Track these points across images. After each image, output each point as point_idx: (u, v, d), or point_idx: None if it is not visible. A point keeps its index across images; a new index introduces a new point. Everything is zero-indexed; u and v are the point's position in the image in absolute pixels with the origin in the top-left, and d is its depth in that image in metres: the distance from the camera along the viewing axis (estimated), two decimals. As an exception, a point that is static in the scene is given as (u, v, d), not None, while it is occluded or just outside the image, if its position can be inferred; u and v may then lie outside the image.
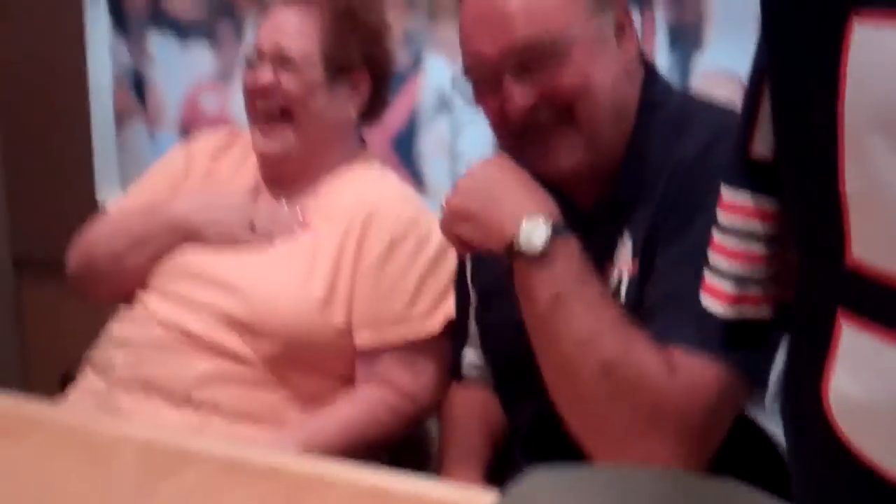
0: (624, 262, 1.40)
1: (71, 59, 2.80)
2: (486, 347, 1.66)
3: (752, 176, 1.00)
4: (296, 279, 1.79)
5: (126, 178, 2.69)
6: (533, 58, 1.35)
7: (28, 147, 2.94)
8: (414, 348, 1.79)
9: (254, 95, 1.86)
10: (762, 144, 0.99)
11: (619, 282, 1.40)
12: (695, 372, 1.24)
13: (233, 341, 1.76)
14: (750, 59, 1.93)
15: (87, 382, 1.86)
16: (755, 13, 1.93)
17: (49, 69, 2.85)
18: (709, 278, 1.05)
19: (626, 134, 1.42)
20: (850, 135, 0.83)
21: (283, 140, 1.85)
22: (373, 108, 1.94)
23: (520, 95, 1.37)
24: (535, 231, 1.29)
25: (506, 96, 1.37)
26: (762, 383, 1.30)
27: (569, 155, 1.40)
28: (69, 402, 1.85)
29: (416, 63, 2.35)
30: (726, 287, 1.03)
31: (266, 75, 1.83)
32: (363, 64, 1.89)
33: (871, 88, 0.81)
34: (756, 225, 1.01)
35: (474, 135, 2.31)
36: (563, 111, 1.38)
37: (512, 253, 1.31)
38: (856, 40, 0.82)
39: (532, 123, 1.38)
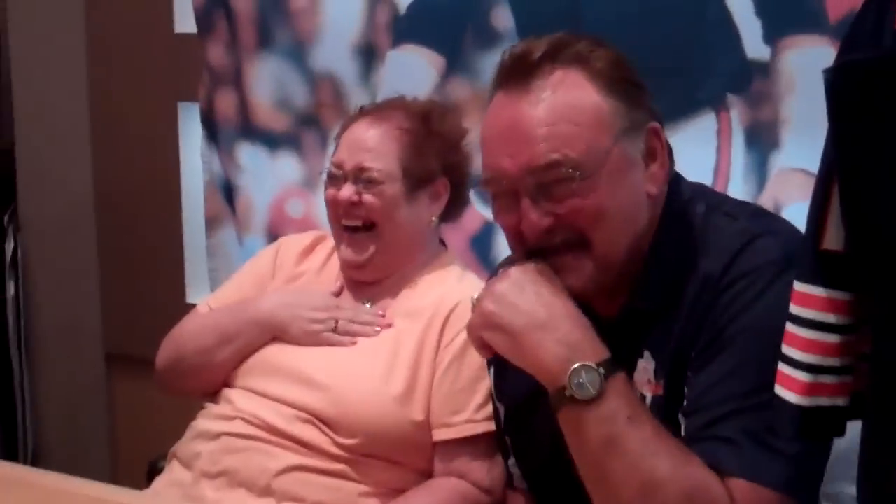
0: (645, 382, 1.39)
1: (165, 167, 2.92)
2: (520, 458, 1.64)
3: (822, 268, 1.03)
4: (377, 376, 1.84)
5: (215, 280, 2.77)
6: (553, 180, 1.33)
7: (123, 248, 3.05)
8: (491, 443, 1.82)
9: (337, 209, 1.92)
10: (833, 237, 1.02)
11: (643, 400, 1.38)
12: (755, 498, 1.25)
13: (315, 436, 1.81)
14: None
15: (173, 474, 1.91)
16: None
17: (145, 176, 2.96)
18: (783, 369, 1.08)
19: (646, 248, 1.40)
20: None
21: (368, 249, 1.92)
22: (452, 210, 2.01)
23: (536, 217, 1.34)
24: (587, 378, 1.26)
25: (522, 215, 1.35)
26: None
27: (579, 277, 1.37)
28: (155, 492, 1.91)
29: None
30: (801, 376, 1.05)
31: (348, 192, 1.89)
32: (442, 172, 1.95)
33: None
34: (829, 316, 1.04)
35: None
36: (578, 235, 1.36)
37: (562, 397, 1.28)
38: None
39: (546, 243, 1.36)
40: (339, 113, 2.53)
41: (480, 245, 2.44)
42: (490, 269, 2.43)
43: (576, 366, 1.27)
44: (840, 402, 1.05)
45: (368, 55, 2.49)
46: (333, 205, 1.93)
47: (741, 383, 1.29)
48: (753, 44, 2.07)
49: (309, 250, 2.10)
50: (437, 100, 2.12)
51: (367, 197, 1.89)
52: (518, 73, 1.36)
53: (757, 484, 1.26)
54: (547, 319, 1.30)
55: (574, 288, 1.37)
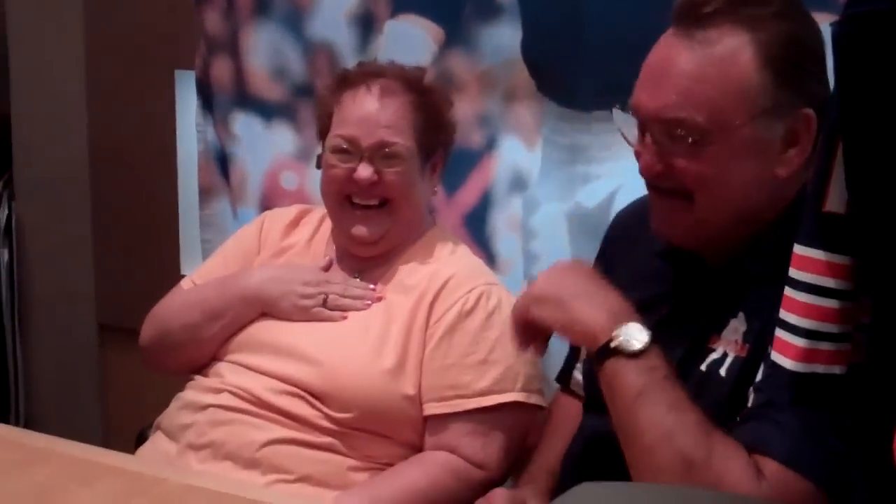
0: (732, 341, 1.39)
1: (162, 136, 2.88)
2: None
3: (824, 231, 1.01)
4: (368, 350, 1.82)
5: (208, 252, 2.73)
6: (674, 135, 1.35)
7: (118, 218, 3.03)
8: (482, 418, 1.80)
9: (347, 186, 1.89)
10: (836, 199, 0.99)
11: (723, 357, 1.39)
12: (784, 482, 1.23)
13: (304, 409, 1.78)
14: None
15: (157, 444, 1.89)
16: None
17: (141, 145, 2.94)
18: (779, 334, 1.05)
19: (770, 217, 1.39)
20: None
21: (382, 226, 1.91)
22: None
23: (652, 159, 1.39)
24: (636, 334, 1.31)
25: (644, 150, 1.40)
26: None
27: (672, 227, 1.43)
28: (141, 456, 1.89)
29: (491, 143, 2.38)
30: (797, 342, 1.03)
31: (367, 172, 1.87)
32: (440, 146, 1.95)
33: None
34: (827, 280, 1.01)
35: (547, 213, 2.32)
36: (683, 189, 1.38)
37: (607, 349, 1.32)
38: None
39: (657, 183, 1.41)
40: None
41: (475, 221, 2.42)
42: (485, 246, 2.42)
43: (623, 324, 1.31)
44: (837, 370, 1.03)
45: (366, 24, 2.45)
46: (345, 182, 1.89)
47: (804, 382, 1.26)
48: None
49: (295, 223, 2.08)
50: (419, 70, 2.07)
51: (389, 175, 1.88)
52: (690, 17, 1.35)
53: (790, 469, 1.24)
54: (593, 292, 1.36)
55: (661, 232, 1.44)
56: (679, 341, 1.37)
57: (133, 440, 2.10)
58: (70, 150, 3.03)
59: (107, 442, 2.87)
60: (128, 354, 2.96)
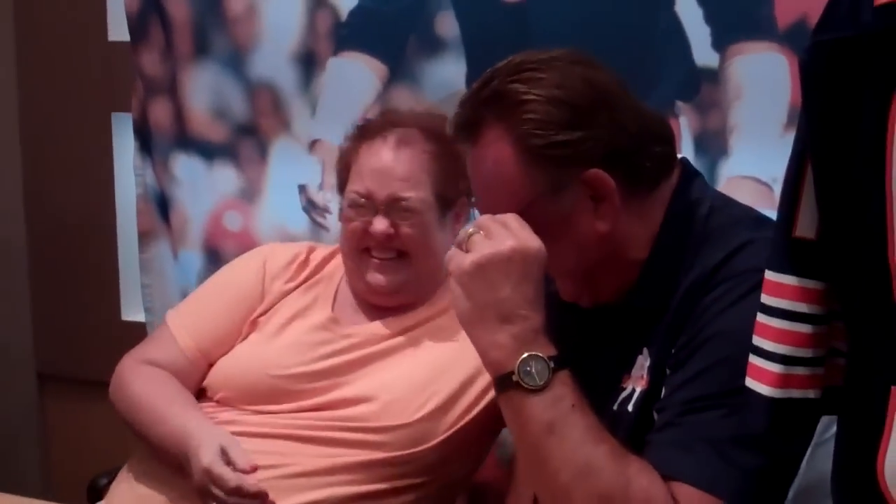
0: (638, 377, 1.41)
1: (99, 180, 2.83)
2: None
3: (794, 257, 1.01)
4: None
5: (149, 296, 2.69)
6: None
7: (55, 264, 2.96)
8: None
9: (364, 240, 1.88)
10: (805, 224, 1.00)
11: (631, 393, 1.41)
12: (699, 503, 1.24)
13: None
14: (774, 165, 1.97)
15: (136, 490, 1.81)
16: (779, 120, 1.97)
17: (78, 190, 2.88)
18: (754, 360, 1.05)
19: (645, 252, 1.43)
20: (899, 205, 0.84)
21: (399, 275, 1.89)
22: None
23: None
24: (536, 367, 1.29)
25: None
26: None
27: (563, 292, 1.48)
28: None
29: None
30: (773, 368, 1.03)
31: (383, 226, 1.86)
32: (462, 194, 1.90)
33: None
34: (800, 305, 1.01)
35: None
36: None
37: (507, 382, 1.30)
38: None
39: None
40: (277, 122, 2.48)
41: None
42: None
43: (525, 355, 1.29)
44: (812, 394, 1.03)
45: (308, 63, 2.43)
46: (361, 236, 1.88)
47: (707, 386, 1.29)
48: (702, 50, 2.06)
49: (305, 263, 2.03)
50: (433, 110, 2.05)
51: (405, 229, 1.86)
52: (462, 135, 1.45)
53: (704, 491, 1.25)
54: (511, 313, 1.31)
55: (565, 299, 1.48)
56: (591, 382, 1.36)
57: (83, 490, 2.04)
58: (4, 195, 2.96)
59: (48, 495, 2.80)
60: (69, 403, 2.92)
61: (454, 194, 1.90)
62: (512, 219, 1.35)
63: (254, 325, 1.95)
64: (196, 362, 1.91)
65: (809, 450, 1.52)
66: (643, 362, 1.41)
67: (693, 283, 1.36)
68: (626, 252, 1.42)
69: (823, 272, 0.99)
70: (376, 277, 1.89)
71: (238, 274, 2.04)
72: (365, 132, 1.95)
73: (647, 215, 1.43)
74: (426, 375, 1.83)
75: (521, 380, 1.28)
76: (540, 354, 1.29)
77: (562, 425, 1.27)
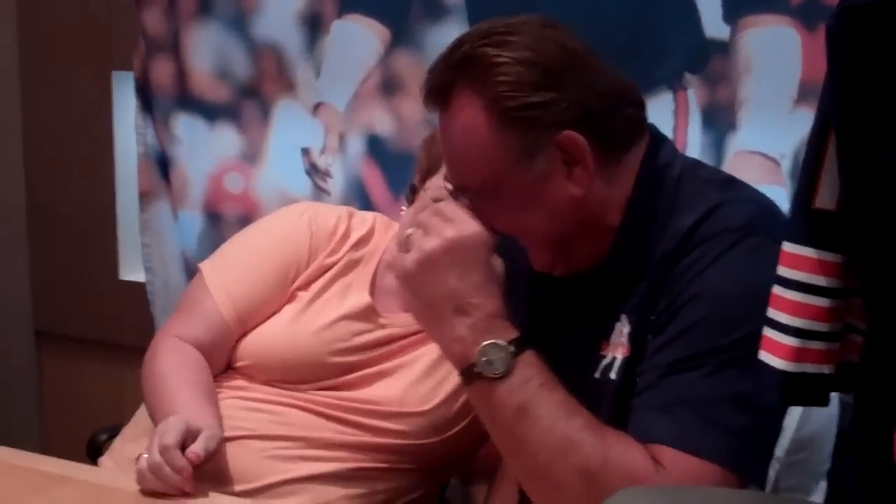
0: (619, 345, 1.41)
1: (99, 139, 2.82)
2: None
3: (814, 228, 1.00)
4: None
5: (148, 256, 2.68)
6: (471, 197, 1.39)
7: (54, 223, 2.95)
8: None
9: None
10: (826, 195, 0.98)
11: (612, 361, 1.40)
12: (682, 466, 1.25)
13: None
14: (782, 141, 1.96)
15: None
16: (789, 96, 1.96)
17: (76, 149, 2.87)
18: (768, 333, 1.04)
19: (618, 217, 1.42)
20: (925, 177, 0.83)
21: None
22: None
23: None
24: (496, 355, 1.29)
25: None
26: (758, 482, 1.32)
27: (537, 261, 1.45)
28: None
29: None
30: (788, 341, 1.01)
31: None
32: None
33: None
34: (818, 278, 1.00)
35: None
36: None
37: (471, 374, 1.31)
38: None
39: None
40: (281, 84, 2.47)
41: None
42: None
43: (484, 344, 1.30)
44: (826, 369, 1.02)
45: (313, 25, 2.42)
46: None
47: (687, 347, 1.30)
48: (713, 22, 2.04)
49: (346, 234, 1.94)
50: None
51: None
52: (431, 99, 1.42)
53: (687, 453, 1.25)
54: (463, 304, 1.32)
55: (537, 269, 1.45)
56: (571, 352, 1.37)
57: (79, 446, 2.03)
58: (5, 153, 2.95)
59: (46, 450, 2.80)
60: (67, 361, 2.91)
61: None
62: (447, 206, 1.36)
63: (292, 296, 1.88)
64: (235, 331, 1.85)
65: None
66: (622, 329, 1.40)
67: (667, 247, 1.36)
68: (599, 217, 1.41)
69: (843, 245, 0.98)
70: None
71: (282, 239, 1.93)
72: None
73: (618, 180, 1.41)
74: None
75: (482, 370, 1.29)
76: (498, 342, 1.29)
77: (533, 406, 1.27)
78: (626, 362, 1.38)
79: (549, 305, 1.48)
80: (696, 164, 1.51)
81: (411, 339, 1.85)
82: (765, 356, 1.03)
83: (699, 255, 1.33)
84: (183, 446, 1.55)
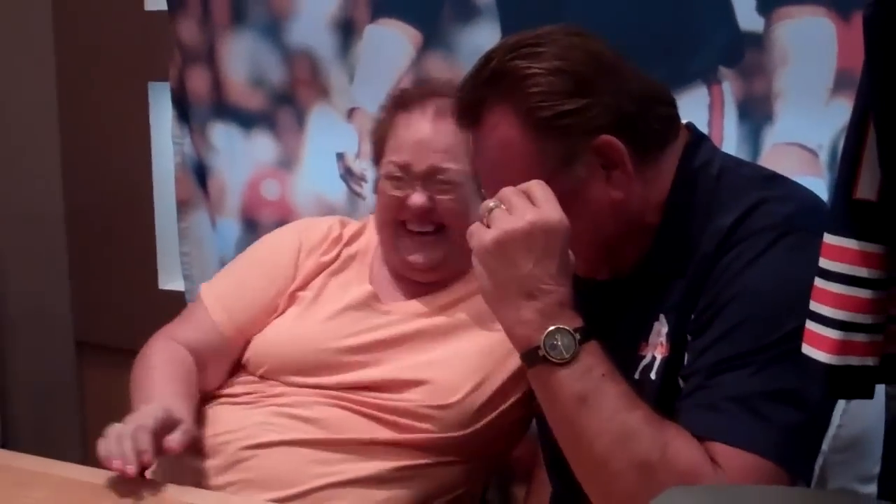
0: (658, 344, 1.41)
1: (136, 149, 2.84)
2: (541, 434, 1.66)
3: (855, 219, 0.99)
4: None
5: (187, 265, 2.70)
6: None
7: (93, 234, 2.97)
8: None
9: (403, 214, 1.85)
10: (867, 186, 0.97)
11: (652, 361, 1.40)
12: (738, 463, 1.24)
13: None
14: (819, 132, 1.94)
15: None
16: (825, 86, 1.94)
17: (115, 159, 2.89)
18: (811, 327, 1.03)
19: (657, 217, 1.43)
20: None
21: (439, 252, 1.86)
22: None
23: None
24: (562, 341, 1.29)
25: None
26: (806, 479, 1.32)
27: (581, 267, 1.42)
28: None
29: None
30: (831, 334, 1.00)
31: (421, 199, 1.82)
32: None
33: None
34: (860, 270, 0.99)
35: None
36: None
37: (535, 357, 1.30)
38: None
39: None
40: (315, 90, 2.47)
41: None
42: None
43: (551, 328, 1.29)
44: (870, 361, 1.00)
45: (346, 30, 2.42)
46: (399, 209, 1.85)
47: (732, 347, 1.29)
48: (747, 14, 2.03)
49: (339, 237, 2.00)
50: None
51: (444, 202, 1.83)
52: (464, 119, 1.45)
53: (741, 449, 1.25)
54: (534, 289, 1.31)
55: (580, 273, 1.43)
56: (612, 355, 1.35)
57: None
58: (43, 164, 2.97)
59: (87, 463, 2.83)
60: (107, 371, 2.93)
61: None
62: (536, 187, 1.34)
63: (293, 298, 1.93)
64: (231, 338, 1.90)
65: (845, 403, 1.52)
66: (660, 329, 1.40)
67: (708, 245, 1.36)
68: (639, 218, 1.42)
69: (885, 235, 0.97)
70: (416, 257, 1.86)
71: (274, 250, 2.01)
72: (401, 102, 1.91)
73: (657, 179, 1.42)
74: (476, 360, 1.81)
75: (547, 353, 1.28)
76: (565, 327, 1.29)
77: (594, 395, 1.26)
78: (666, 362, 1.38)
79: (588, 308, 1.47)
80: (736, 161, 1.51)
81: (417, 325, 1.86)
82: (808, 350, 1.02)
83: (739, 252, 1.33)
84: (157, 435, 1.56)
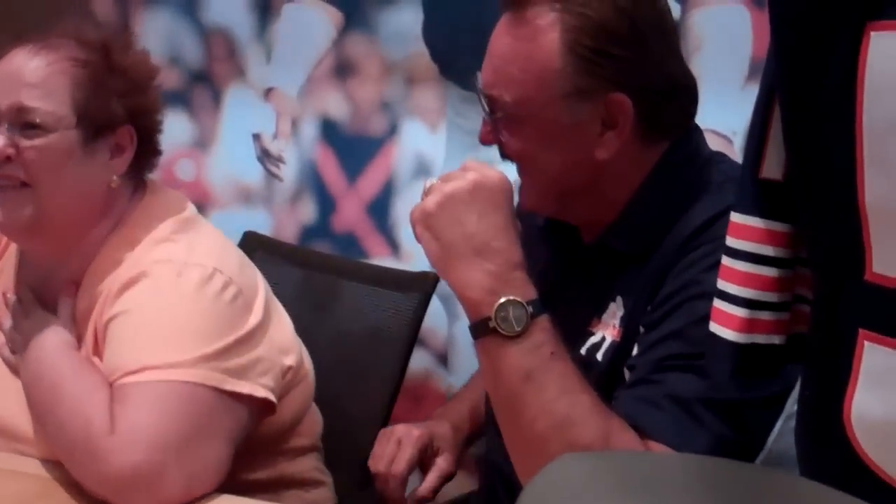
0: (611, 325, 1.38)
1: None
2: None
3: (761, 198, 1.00)
4: None
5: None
6: (494, 108, 1.36)
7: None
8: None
9: None
10: (772, 165, 0.98)
11: (601, 341, 1.38)
12: None
13: None
14: (734, 118, 1.96)
15: None
16: (740, 73, 1.97)
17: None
18: (718, 305, 1.03)
19: (626, 195, 1.39)
20: (869, 143, 0.83)
21: (21, 211, 1.45)
22: (142, 164, 1.55)
23: (483, 131, 1.40)
24: (514, 313, 1.23)
25: (483, 121, 1.41)
26: None
27: (528, 198, 1.41)
28: None
29: (393, 129, 2.35)
30: (737, 312, 1.01)
31: (1, 142, 1.42)
32: (127, 119, 1.49)
33: (891, 94, 0.80)
34: (766, 248, 1.00)
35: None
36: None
37: (484, 328, 1.25)
38: (873, 50, 0.82)
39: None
40: (232, 69, 2.45)
41: (378, 210, 2.38)
42: (388, 235, 2.39)
43: (503, 300, 1.23)
44: (776, 340, 1.01)
45: (263, 9, 2.41)
46: None
47: (681, 346, 1.27)
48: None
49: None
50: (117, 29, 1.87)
51: (27, 149, 1.42)
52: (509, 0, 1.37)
53: (677, 450, 1.23)
54: (483, 246, 1.25)
55: (522, 205, 1.40)
56: (562, 323, 1.31)
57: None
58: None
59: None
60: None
61: (108, 117, 1.47)
62: (470, 162, 1.30)
63: None
64: None
65: (779, 423, 1.52)
66: (615, 310, 1.38)
67: (675, 238, 1.33)
68: (607, 188, 1.39)
69: (790, 214, 0.98)
70: None
71: None
72: (21, 41, 1.49)
73: (642, 160, 1.39)
74: None
75: (497, 326, 1.23)
76: (518, 299, 1.24)
77: (540, 373, 1.23)
78: (615, 348, 1.36)
79: (546, 269, 1.44)
80: (721, 157, 1.48)
81: None
82: (716, 328, 1.03)
83: (706, 252, 1.30)
84: None
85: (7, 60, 1.45)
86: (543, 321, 1.25)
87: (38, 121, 1.42)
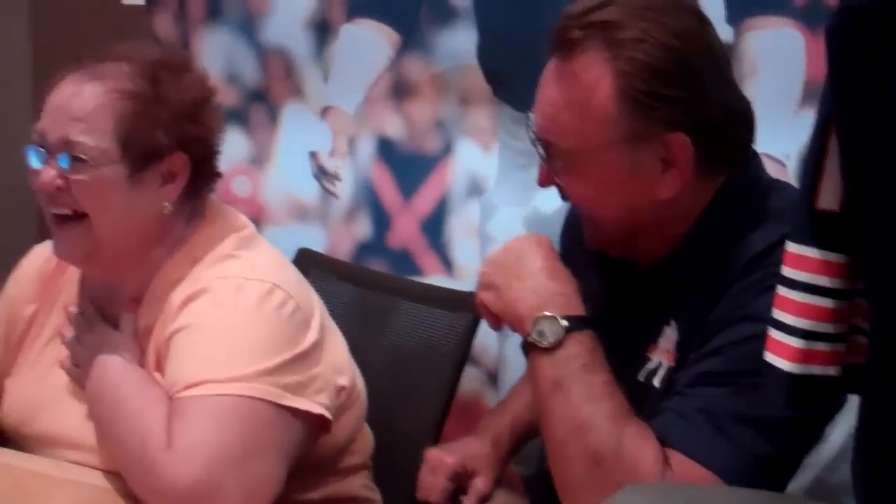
0: (665, 351, 1.38)
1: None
2: None
3: (817, 229, 1.00)
4: None
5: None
6: (549, 154, 1.36)
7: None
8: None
9: (40, 192, 1.47)
10: (829, 195, 0.99)
11: (658, 367, 1.38)
12: (687, 472, 1.24)
13: None
14: (788, 142, 1.96)
15: None
16: (793, 97, 1.97)
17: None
18: (773, 335, 1.04)
19: (680, 232, 1.38)
20: (928, 176, 0.83)
21: (80, 242, 1.47)
22: (197, 189, 1.54)
23: (541, 174, 1.40)
24: (549, 328, 1.30)
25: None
26: None
27: (593, 239, 1.42)
28: None
29: (447, 148, 2.37)
30: (793, 342, 1.01)
31: (49, 176, 1.44)
32: (177, 146, 1.48)
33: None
34: (822, 279, 1.00)
35: (504, 217, 2.31)
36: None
37: (524, 343, 1.32)
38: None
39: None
40: (289, 88, 2.48)
41: (432, 227, 2.40)
42: (442, 251, 2.40)
43: (539, 315, 1.30)
44: (832, 371, 1.01)
45: (321, 29, 2.43)
46: (38, 190, 1.47)
47: (722, 363, 1.28)
48: (716, 24, 2.01)
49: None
50: (174, 52, 1.87)
51: (75, 182, 1.43)
52: (558, 46, 1.35)
53: (696, 461, 1.24)
54: (525, 273, 1.33)
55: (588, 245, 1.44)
56: (617, 349, 1.34)
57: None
58: (17, 158, 2.95)
59: None
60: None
61: (155, 148, 1.46)
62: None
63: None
64: None
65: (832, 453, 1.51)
66: (671, 335, 1.37)
67: (735, 265, 1.32)
68: (672, 223, 1.38)
69: (846, 245, 0.98)
70: (57, 247, 1.50)
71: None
72: (71, 66, 1.52)
73: (702, 192, 1.37)
74: None
75: (535, 339, 1.30)
76: (554, 315, 1.29)
77: (568, 383, 1.28)
78: (672, 372, 1.35)
79: (601, 294, 1.44)
80: (781, 184, 1.45)
81: None
82: (771, 358, 1.03)
83: (759, 277, 1.29)
84: None
85: (59, 91, 1.48)
86: (582, 336, 1.30)
87: (83, 155, 1.43)
